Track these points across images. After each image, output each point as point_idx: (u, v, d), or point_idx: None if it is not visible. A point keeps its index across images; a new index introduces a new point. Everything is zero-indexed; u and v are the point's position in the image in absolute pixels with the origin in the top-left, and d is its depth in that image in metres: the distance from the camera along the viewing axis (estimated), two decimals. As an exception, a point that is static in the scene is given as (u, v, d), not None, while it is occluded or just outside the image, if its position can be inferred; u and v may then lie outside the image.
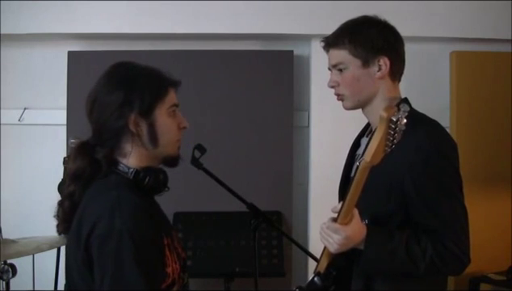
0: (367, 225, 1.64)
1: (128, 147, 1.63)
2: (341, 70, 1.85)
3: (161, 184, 1.67)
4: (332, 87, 1.89)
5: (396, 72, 1.86)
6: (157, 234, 1.58)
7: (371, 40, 1.81)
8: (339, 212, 1.60)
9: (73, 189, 1.63)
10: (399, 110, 1.39)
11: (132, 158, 1.63)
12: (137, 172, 1.62)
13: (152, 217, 1.60)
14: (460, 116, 3.34)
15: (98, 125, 1.63)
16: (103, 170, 1.61)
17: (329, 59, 1.89)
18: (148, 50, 3.41)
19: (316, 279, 1.65)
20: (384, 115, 1.39)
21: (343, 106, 1.90)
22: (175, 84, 1.69)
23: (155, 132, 1.62)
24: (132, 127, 1.60)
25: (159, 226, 1.61)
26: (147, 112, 1.61)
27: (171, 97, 1.66)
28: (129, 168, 1.62)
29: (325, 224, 1.63)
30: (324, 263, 1.67)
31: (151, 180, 1.63)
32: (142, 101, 1.60)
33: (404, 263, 1.65)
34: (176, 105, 1.68)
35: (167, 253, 1.59)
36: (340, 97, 1.88)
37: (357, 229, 1.62)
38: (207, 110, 3.36)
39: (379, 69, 1.82)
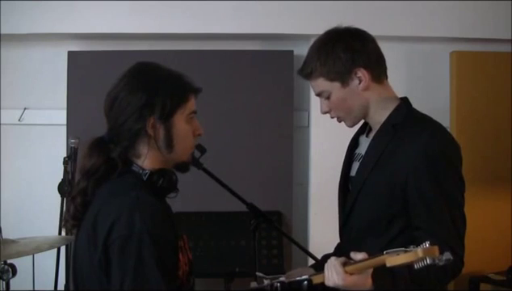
0: (373, 275, 1.57)
1: (143, 149, 1.63)
2: (327, 97, 1.85)
3: (173, 186, 1.67)
4: (325, 113, 1.89)
5: (377, 74, 1.83)
6: (173, 237, 1.58)
7: (339, 59, 1.79)
8: (354, 262, 1.56)
9: (85, 185, 1.62)
10: (441, 254, 1.34)
11: (146, 160, 1.63)
12: (152, 174, 1.62)
13: (168, 218, 1.60)
14: (460, 116, 3.33)
15: (116, 124, 1.62)
16: (118, 169, 1.61)
17: (312, 88, 1.89)
18: (148, 50, 3.41)
19: (305, 283, 1.66)
20: (420, 254, 1.34)
21: (346, 125, 1.90)
22: (197, 91, 1.69)
23: (171, 138, 1.63)
24: (149, 130, 1.60)
25: (174, 228, 1.61)
26: (167, 117, 1.61)
27: (191, 104, 1.67)
28: (143, 169, 1.63)
29: (336, 261, 1.58)
30: (319, 279, 1.66)
31: (165, 182, 1.63)
32: (164, 106, 1.60)
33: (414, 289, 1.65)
34: (194, 112, 1.68)
35: (180, 255, 1.59)
36: (338, 119, 1.89)
37: (361, 282, 1.56)
38: (207, 110, 3.34)
39: (360, 82, 1.80)
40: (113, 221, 1.50)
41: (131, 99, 1.60)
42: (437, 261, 1.33)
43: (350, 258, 1.58)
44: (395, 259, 1.40)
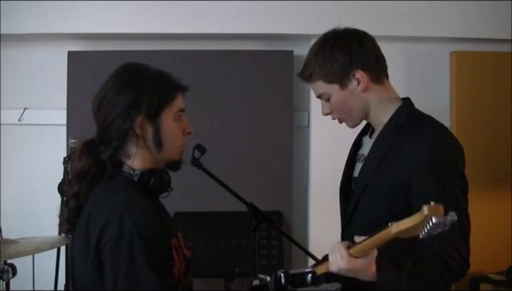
0: (377, 262, 1.56)
1: (132, 149, 1.63)
2: (327, 99, 1.85)
3: (165, 185, 1.67)
4: (327, 115, 1.90)
5: (376, 75, 1.83)
6: (165, 236, 1.58)
7: (336, 61, 1.79)
8: (357, 244, 1.55)
9: (77, 189, 1.62)
10: (445, 214, 1.31)
11: (136, 160, 1.63)
12: (142, 174, 1.62)
13: (160, 218, 1.60)
14: (460, 116, 3.34)
15: (105, 125, 1.62)
16: (108, 171, 1.61)
17: (313, 91, 1.90)
18: (148, 50, 3.41)
19: (309, 276, 1.65)
20: (425, 212, 1.31)
21: (347, 126, 1.91)
22: (183, 89, 1.69)
23: (160, 137, 1.63)
24: (137, 130, 1.60)
25: (166, 227, 1.61)
26: (154, 116, 1.61)
27: (178, 102, 1.67)
28: (134, 170, 1.63)
29: (340, 244, 1.57)
30: (323, 269, 1.66)
31: (156, 182, 1.63)
32: (150, 104, 1.60)
33: (418, 288, 1.64)
34: (182, 110, 1.68)
35: (174, 254, 1.59)
36: (340, 120, 1.89)
37: (365, 266, 1.55)
38: (207, 110, 3.36)
39: (359, 83, 1.80)
40: (104, 223, 1.50)
41: (118, 99, 1.60)
42: (441, 220, 1.30)
43: (354, 242, 1.57)
44: (400, 224, 1.37)
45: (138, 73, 1.66)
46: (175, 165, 1.70)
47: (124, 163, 1.64)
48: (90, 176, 1.61)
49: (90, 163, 1.62)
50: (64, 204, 1.67)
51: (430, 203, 1.32)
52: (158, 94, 1.62)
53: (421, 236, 1.34)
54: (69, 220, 1.63)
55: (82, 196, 1.62)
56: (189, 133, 1.71)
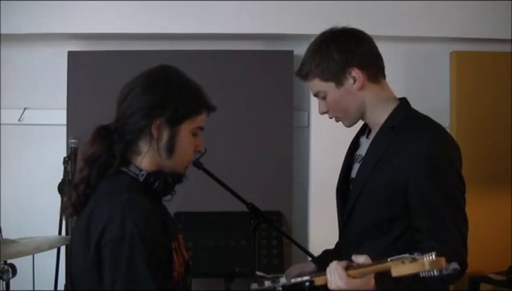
0: (375, 277, 1.57)
1: (144, 147, 1.64)
2: (323, 97, 1.85)
3: (169, 188, 1.68)
4: (323, 114, 1.90)
5: (373, 74, 1.83)
6: (166, 238, 1.59)
7: (333, 59, 1.80)
8: (356, 266, 1.55)
9: (88, 173, 1.62)
10: (448, 264, 1.34)
11: (145, 159, 1.64)
12: (148, 175, 1.63)
13: (161, 220, 1.60)
14: (460, 116, 3.34)
15: (124, 115, 1.63)
16: (115, 165, 1.61)
17: (310, 89, 1.91)
18: (148, 50, 3.41)
19: (307, 284, 1.67)
20: (427, 267, 1.34)
21: (344, 125, 1.90)
22: (211, 109, 1.72)
23: (173, 144, 1.64)
24: (154, 130, 1.61)
25: (168, 230, 1.61)
26: (174, 123, 1.63)
27: (201, 119, 1.69)
28: (140, 170, 1.63)
29: (339, 264, 1.57)
30: (321, 281, 1.65)
31: (161, 184, 1.64)
32: (175, 111, 1.62)
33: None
34: (202, 128, 1.70)
35: (174, 256, 1.60)
36: (336, 119, 1.90)
37: (363, 285, 1.56)
38: (207, 110, 3.36)
39: (355, 81, 1.81)
40: (105, 223, 1.51)
41: (144, 95, 1.62)
42: (444, 272, 1.33)
43: (351, 260, 1.58)
44: (401, 269, 1.39)
45: (172, 78, 1.68)
46: (178, 177, 1.70)
47: (132, 162, 1.65)
48: (100, 163, 1.62)
49: (103, 150, 1.62)
50: (73, 187, 1.65)
51: (431, 255, 1.33)
52: (186, 104, 1.64)
53: (421, 275, 1.36)
54: (75, 205, 1.63)
55: (92, 182, 1.62)
56: (199, 152, 1.73)
